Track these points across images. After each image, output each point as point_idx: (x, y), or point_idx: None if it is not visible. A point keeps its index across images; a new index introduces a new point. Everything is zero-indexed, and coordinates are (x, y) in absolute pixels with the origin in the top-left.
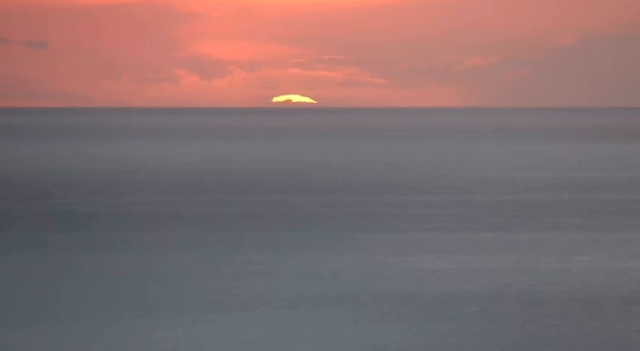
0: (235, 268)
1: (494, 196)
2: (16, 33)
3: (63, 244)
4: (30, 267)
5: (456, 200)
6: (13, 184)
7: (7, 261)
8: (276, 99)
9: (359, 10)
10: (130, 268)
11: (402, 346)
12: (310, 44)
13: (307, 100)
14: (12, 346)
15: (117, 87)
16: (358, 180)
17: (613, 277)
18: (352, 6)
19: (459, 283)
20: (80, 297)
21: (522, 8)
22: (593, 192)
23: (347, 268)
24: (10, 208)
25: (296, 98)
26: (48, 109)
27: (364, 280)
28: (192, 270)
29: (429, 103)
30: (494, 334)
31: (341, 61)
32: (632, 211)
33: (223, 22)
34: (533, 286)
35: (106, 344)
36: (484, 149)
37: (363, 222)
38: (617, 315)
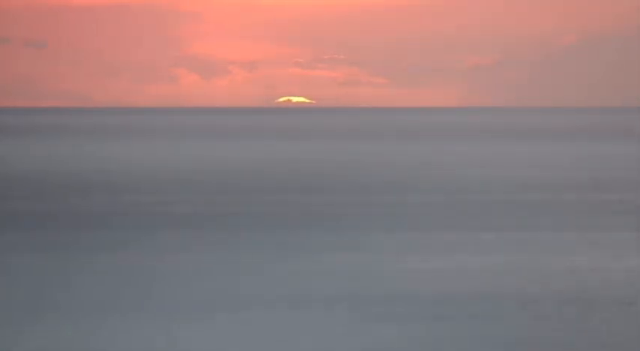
0: (234, 267)
1: (493, 196)
2: (16, 33)
3: (63, 244)
4: (30, 267)
5: (455, 200)
6: (13, 183)
7: (7, 261)
8: (277, 99)
9: (359, 10)
10: (129, 268)
11: (401, 345)
12: (310, 44)
13: (307, 100)
14: (12, 345)
15: (117, 86)
16: (358, 180)
17: (611, 276)
18: (352, 6)
19: (458, 283)
20: (80, 297)
21: (522, 8)
22: (592, 192)
23: (346, 268)
24: (11, 208)
25: (296, 98)
26: (48, 108)
27: (363, 280)
28: (191, 270)
29: (429, 102)
30: (492, 333)
31: (341, 61)
32: (630, 211)
33: (223, 22)
34: (531, 286)
35: (105, 344)
36: (484, 149)
37: (362, 222)
38: (615, 315)
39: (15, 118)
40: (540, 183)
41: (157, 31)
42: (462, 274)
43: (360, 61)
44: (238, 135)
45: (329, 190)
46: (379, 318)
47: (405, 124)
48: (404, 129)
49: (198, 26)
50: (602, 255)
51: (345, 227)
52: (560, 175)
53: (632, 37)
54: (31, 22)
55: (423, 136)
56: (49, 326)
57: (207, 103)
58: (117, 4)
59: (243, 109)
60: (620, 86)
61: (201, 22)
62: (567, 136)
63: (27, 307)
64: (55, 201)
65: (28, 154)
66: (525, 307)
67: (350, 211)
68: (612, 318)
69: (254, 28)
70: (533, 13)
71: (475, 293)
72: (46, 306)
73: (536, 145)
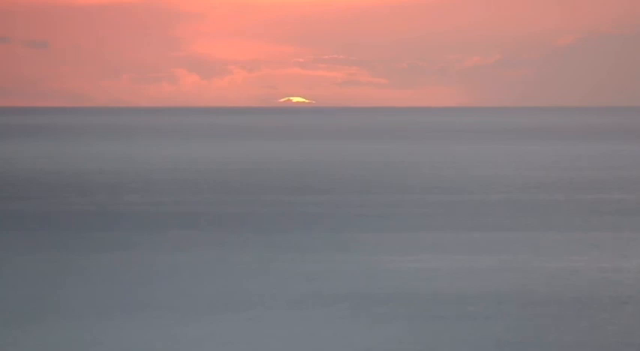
0: (234, 268)
1: (492, 196)
2: (16, 32)
3: (63, 244)
4: (30, 267)
5: (455, 200)
6: (13, 184)
7: (7, 261)
8: (277, 99)
9: (359, 10)
10: (129, 267)
11: (400, 345)
12: (310, 44)
13: (307, 100)
14: (12, 346)
15: (116, 86)
16: (358, 180)
17: (608, 276)
18: (352, 6)
19: (457, 283)
20: (80, 296)
21: (522, 8)
22: (591, 192)
23: (345, 268)
24: (11, 208)
25: (296, 98)
26: (47, 108)
27: (362, 280)
28: (191, 270)
29: (429, 102)
30: (490, 333)
31: (341, 61)
32: (628, 211)
33: (224, 21)
34: (529, 285)
35: (105, 344)
36: (483, 149)
37: (362, 222)
38: (611, 315)
39: (15, 118)
40: (540, 183)
41: (157, 31)
42: (462, 274)
43: (360, 61)
44: (238, 135)
45: (328, 190)
46: (380, 318)
47: (405, 124)
48: (403, 129)
49: (198, 26)
50: (602, 255)
51: (344, 227)
52: (560, 174)
53: (632, 37)
54: (31, 22)
55: (422, 136)
56: (49, 326)
57: (207, 103)
58: (117, 4)
59: (243, 109)
60: (619, 86)
61: (201, 22)
62: (567, 135)
63: (27, 307)
64: (55, 201)
65: (28, 154)
66: (525, 307)
67: (349, 211)
68: (612, 318)
69: (254, 28)
70: (533, 13)
71: (473, 293)
72: (46, 306)
73: (536, 145)
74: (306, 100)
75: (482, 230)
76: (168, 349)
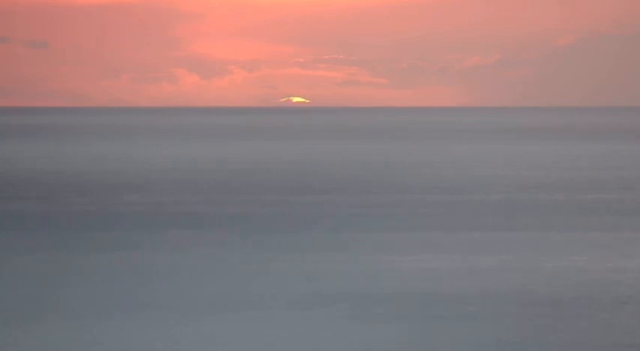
0: (233, 268)
1: (492, 196)
2: (16, 32)
3: (63, 244)
4: (30, 267)
5: (455, 200)
6: (13, 183)
7: (6, 261)
8: (277, 99)
9: (359, 10)
10: (129, 267)
11: (400, 345)
12: (310, 44)
13: (307, 100)
14: (12, 346)
15: (116, 86)
16: (358, 180)
17: (608, 276)
18: (352, 6)
19: (457, 283)
20: (80, 297)
21: (522, 8)
22: (591, 192)
23: (345, 268)
24: (11, 208)
25: (296, 98)
26: (47, 108)
27: (362, 280)
28: (191, 270)
29: (429, 102)
30: (490, 333)
31: (341, 61)
32: (628, 211)
33: (224, 21)
34: (529, 285)
35: (105, 344)
36: (483, 149)
37: (362, 222)
38: (611, 315)
39: (15, 118)
40: (540, 183)
41: (157, 31)
42: (462, 274)
43: (360, 61)
44: (238, 135)
45: (328, 190)
46: (380, 318)
47: (405, 124)
48: (403, 129)
49: (198, 26)
50: (602, 255)
51: (344, 227)
52: (560, 174)
53: (632, 37)
54: (31, 22)
55: (422, 136)
56: (49, 326)
57: (207, 103)
58: (117, 3)
59: (243, 109)
60: (619, 86)
61: (201, 22)
62: (567, 135)
63: (27, 307)
64: (55, 201)
65: (28, 154)
66: (525, 307)
67: (349, 211)
68: (612, 318)
69: (254, 28)
70: (533, 13)
71: (473, 293)
72: (46, 306)
73: (536, 145)
74: (306, 100)
75: (482, 230)
76: (168, 349)
